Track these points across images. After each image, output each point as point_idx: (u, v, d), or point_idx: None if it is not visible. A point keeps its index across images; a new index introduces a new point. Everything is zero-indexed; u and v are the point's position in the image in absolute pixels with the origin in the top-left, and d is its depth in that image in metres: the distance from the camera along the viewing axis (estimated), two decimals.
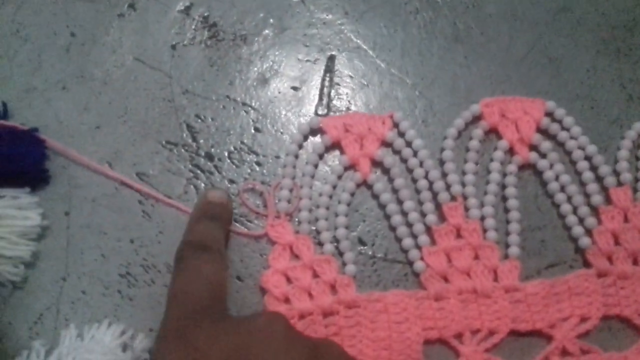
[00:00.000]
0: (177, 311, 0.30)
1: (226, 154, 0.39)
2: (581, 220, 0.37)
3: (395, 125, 0.39)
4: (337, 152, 0.39)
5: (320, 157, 0.39)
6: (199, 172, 0.38)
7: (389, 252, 0.37)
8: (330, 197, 0.38)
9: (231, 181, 0.38)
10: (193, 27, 0.42)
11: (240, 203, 0.38)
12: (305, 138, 0.39)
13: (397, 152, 0.39)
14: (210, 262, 0.32)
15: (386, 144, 0.39)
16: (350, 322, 0.35)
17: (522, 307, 0.35)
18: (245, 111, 0.40)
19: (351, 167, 0.39)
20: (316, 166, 0.39)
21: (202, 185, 0.38)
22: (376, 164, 0.39)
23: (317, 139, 0.39)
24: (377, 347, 0.34)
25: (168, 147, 0.39)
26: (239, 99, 0.40)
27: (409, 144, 0.39)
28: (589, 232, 0.37)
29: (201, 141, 0.39)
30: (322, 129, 0.39)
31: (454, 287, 0.35)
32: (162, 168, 0.38)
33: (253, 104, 0.40)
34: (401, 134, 0.39)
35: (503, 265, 0.36)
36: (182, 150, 0.39)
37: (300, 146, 0.39)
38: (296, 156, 0.39)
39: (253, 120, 0.40)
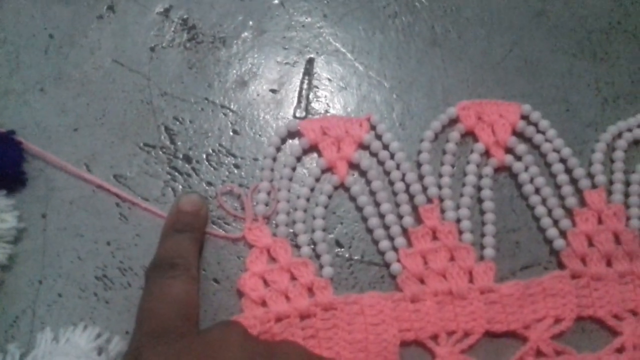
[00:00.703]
0: (139, 332, 0.30)
1: (204, 156, 0.39)
2: (556, 222, 0.38)
3: (373, 127, 0.39)
4: (314, 155, 0.39)
5: (298, 159, 0.39)
6: (176, 174, 0.38)
7: (366, 254, 0.37)
8: (308, 199, 0.38)
9: (209, 184, 0.38)
10: (172, 29, 0.42)
11: (218, 206, 0.38)
12: (283, 141, 0.39)
13: (374, 154, 0.39)
14: (178, 279, 0.32)
15: (363, 146, 0.39)
16: (327, 324, 0.35)
17: (497, 308, 0.35)
18: (223, 113, 0.40)
19: (329, 169, 0.39)
20: (294, 169, 0.39)
21: (180, 187, 0.38)
22: (353, 166, 0.39)
23: (295, 141, 0.39)
24: (353, 349, 0.34)
25: (146, 150, 0.39)
26: (217, 101, 0.40)
27: (386, 147, 0.39)
28: (563, 233, 0.37)
29: (179, 143, 0.39)
30: (299, 132, 0.39)
31: (429, 288, 0.36)
32: (140, 170, 0.38)
33: (231, 107, 0.40)
34: (378, 137, 0.39)
35: (478, 266, 0.36)
36: (160, 152, 0.39)
37: (278, 149, 0.39)
38: (274, 159, 0.39)
39: (231, 123, 0.40)
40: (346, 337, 0.35)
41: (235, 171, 0.39)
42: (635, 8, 0.44)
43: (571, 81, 0.42)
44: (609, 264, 0.37)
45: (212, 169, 0.39)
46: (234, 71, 0.41)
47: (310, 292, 0.36)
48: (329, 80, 0.41)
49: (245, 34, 0.42)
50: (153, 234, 0.37)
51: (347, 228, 0.38)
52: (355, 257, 0.37)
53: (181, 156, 0.39)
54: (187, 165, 0.39)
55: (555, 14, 0.43)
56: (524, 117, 0.40)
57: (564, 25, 0.43)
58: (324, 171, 0.39)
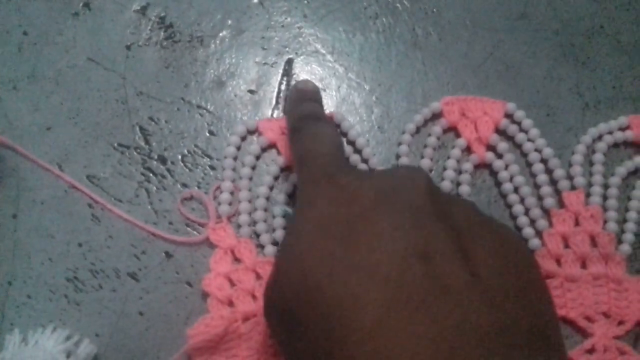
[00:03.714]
0: (313, 166, 0.29)
1: (179, 157, 0.38)
2: (532, 222, 0.37)
3: (337, 125, 0.39)
4: (275, 154, 0.39)
5: (257, 158, 0.38)
6: (151, 175, 0.38)
7: None
8: (267, 198, 0.37)
9: (184, 185, 0.38)
10: (149, 27, 0.41)
11: (180, 213, 0.37)
12: (243, 139, 0.39)
13: None
14: (327, 127, 0.32)
15: None
16: None
17: None
18: (200, 114, 0.39)
19: (287, 168, 0.38)
20: (253, 168, 0.38)
21: (154, 188, 0.37)
22: None
23: (254, 140, 0.39)
24: None
25: (120, 150, 0.38)
26: (194, 101, 0.40)
27: (351, 143, 0.38)
28: (539, 234, 0.37)
29: (154, 144, 0.39)
30: (259, 131, 0.39)
31: None
32: (114, 171, 0.38)
33: (208, 107, 0.40)
34: (343, 134, 0.39)
35: None
36: (135, 152, 0.38)
37: (238, 148, 0.38)
38: (234, 158, 0.38)
39: (208, 124, 0.39)
40: None
41: (211, 173, 0.38)
42: (618, 12, 0.44)
43: (552, 85, 0.41)
44: (583, 265, 0.36)
45: (187, 170, 0.38)
46: (212, 71, 0.41)
47: None
48: None
49: (224, 33, 0.42)
50: (125, 236, 0.36)
51: None
52: None
53: (156, 157, 0.38)
54: (161, 166, 0.38)
55: (537, 17, 0.43)
56: (508, 116, 0.40)
57: (546, 29, 0.43)
58: (282, 169, 0.38)
